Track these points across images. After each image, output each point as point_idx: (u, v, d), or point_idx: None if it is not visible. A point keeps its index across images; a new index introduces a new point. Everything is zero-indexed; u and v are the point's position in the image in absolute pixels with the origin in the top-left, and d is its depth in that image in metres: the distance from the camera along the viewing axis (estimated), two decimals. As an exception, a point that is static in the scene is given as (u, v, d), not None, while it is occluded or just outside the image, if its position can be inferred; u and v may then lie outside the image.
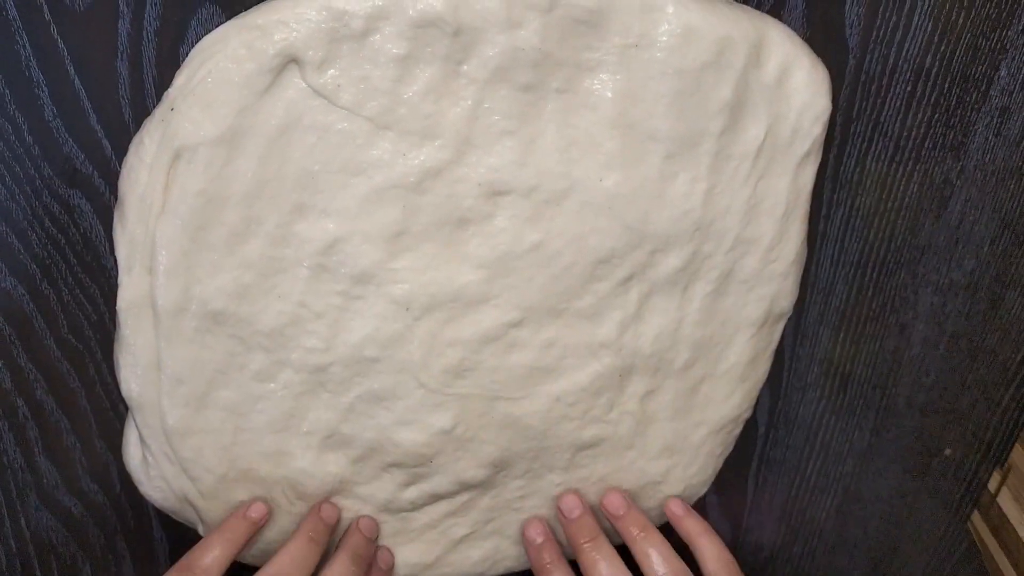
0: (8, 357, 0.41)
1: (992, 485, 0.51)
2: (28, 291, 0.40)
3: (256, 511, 0.41)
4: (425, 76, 0.35)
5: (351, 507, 0.44)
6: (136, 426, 0.40)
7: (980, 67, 0.40)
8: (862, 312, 0.47)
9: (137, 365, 0.39)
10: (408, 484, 0.43)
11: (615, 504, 0.45)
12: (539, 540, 0.45)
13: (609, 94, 0.37)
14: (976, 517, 0.52)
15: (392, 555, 0.45)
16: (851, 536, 0.54)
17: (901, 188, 0.43)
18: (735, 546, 0.54)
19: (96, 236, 0.40)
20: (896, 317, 0.47)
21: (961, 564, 0.53)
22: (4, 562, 0.46)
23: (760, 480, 0.51)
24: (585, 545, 0.43)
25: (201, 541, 0.40)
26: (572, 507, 0.44)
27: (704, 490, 0.47)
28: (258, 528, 0.41)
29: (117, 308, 0.38)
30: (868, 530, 0.53)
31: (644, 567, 0.43)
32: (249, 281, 0.38)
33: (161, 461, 0.41)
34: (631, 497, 0.46)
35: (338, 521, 0.43)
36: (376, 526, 0.44)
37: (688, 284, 0.41)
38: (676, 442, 0.45)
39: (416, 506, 0.44)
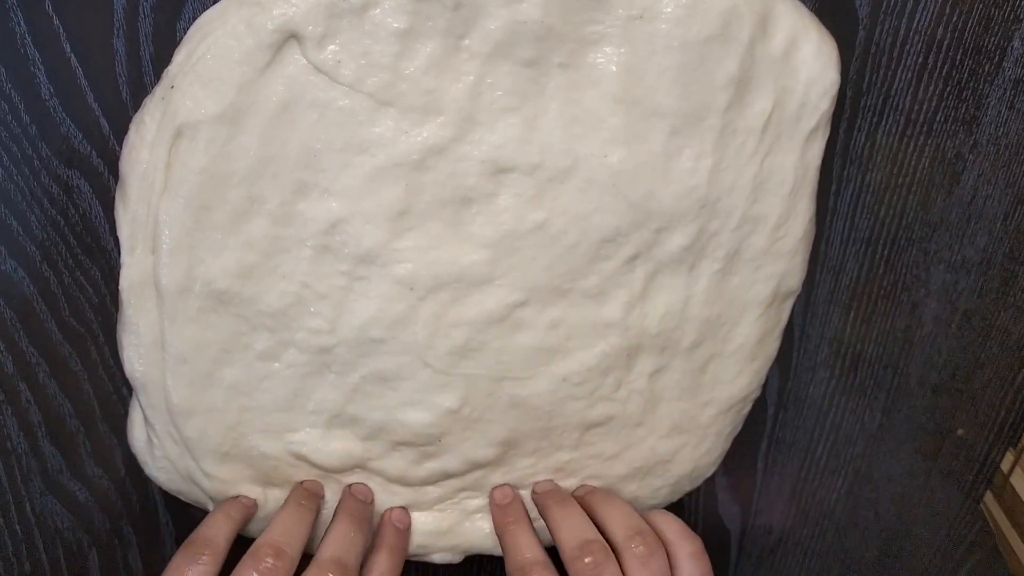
0: (10, 341, 0.41)
1: (1005, 465, 0.50)
2: (28, 274, 0.40)
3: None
4: (426, 51, 0.35)
5: (363, 479, 0.44)
6: (140, 407, 0.40)
7: (993, 38, 0.39)
8: (873, 290, 0.46)
9: (140, 345, 0.39)
10: (418, 462, 0.43)
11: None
12: (505, 502, 0.44)
13: (613, 68, 0.36)
14: (989, 498, 0.52)
15: (408, 515, 0.45)
16: (862, 518, 0.53)
17: (912, 163, 0.43)
18: (744, 528, 0.54)
19: (96, 217, 0.39)
20: (908, 295, 0.46)
21: (974, 545, 0.53)
22: (11, 548, 0.46)
23: (769, 461, 0.51)
24: (553, 504, 0.43)
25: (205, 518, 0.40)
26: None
27: (713, 470, 0.47)
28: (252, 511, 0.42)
29: (120, 288, 0.38)
30: (879, 512, 0.53)
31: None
32: (252, 261, 0.38)
33: (165, 441, 0.41)
34: (642, 476, 0.45)
35: (323, 496, 0.43)
36: (370, 491, 0.44)
37: (694, 263, 0.41)
38: (684, 421, 0.44)
39: (429, 482, 0.44)
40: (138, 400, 0.40)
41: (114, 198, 0.37)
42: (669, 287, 0.41)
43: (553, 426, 0.43)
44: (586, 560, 0.40)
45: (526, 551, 0.42)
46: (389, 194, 0.37)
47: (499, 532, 0.44)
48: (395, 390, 0.41)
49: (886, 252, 0.45)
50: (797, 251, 0.42)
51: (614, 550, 0.41)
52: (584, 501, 0.44)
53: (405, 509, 0.45)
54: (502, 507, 0.44)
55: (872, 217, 0.44)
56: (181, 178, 0.36)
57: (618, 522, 0.42)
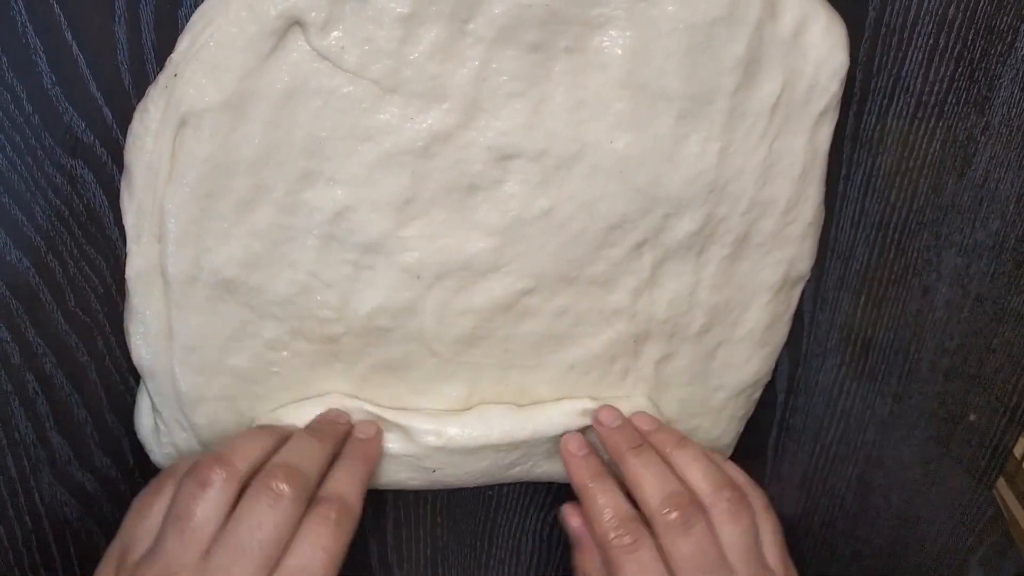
0: (16, 331, 0.41)
1: (1018, 451, 0.50)
2: (33, 264, 0.40)
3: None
4: (430, 36, 0.35)
5: None
6: (148, 394, 0.40)
7: (1005, 18, 0.39)
8: (883, 275, 0.46)
9: (148, 334, 0.39)
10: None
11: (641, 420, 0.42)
12: (581, 453, 0.41)
13: (619, 52, 0.36)
14: (1001, 484, 0.51)
15: (375, 426, 0.41)
16: (873, 505, 0.53)
17: (923, 146, 0.42)
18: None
19: (100, 206, 0.39)
20: (919, 279, 0.46)
21: (986, 532, 0.53)
22: (20, 539, 0.46)
23: (780, 449, 0.51)
24: (630, 453, 0.40)
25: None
26: (612, 418, 0.41)
27: (729, 452, 0.47)
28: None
29: (126, 277, 0.38)
30: (890, 499, 0.53)
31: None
32: (259, 250, 0.38)
33: (173, 428, 0.41)
34: None
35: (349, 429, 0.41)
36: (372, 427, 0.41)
37: (703, 248, 0.40)
38: (694, 406, 0.44)
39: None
40: (146, 388, 0.40)
41: (118, 187, 0.37)
42: (677, 273, 0.41)
43: (560, 414, 0.43)
44: (673, 515, 0.37)
45: (614, 508, 0.39)
46: (395, 182, 0.37)
47: (578, 488, 0.40)
48: (402, 380, 0.41)
49: (897, 236, 0.45)
50: (806, 235, 0.41)
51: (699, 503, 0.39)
52: (659, 451, 0.41)
53: (373, 422, 0.41)
54: (577, 458, 0.41)
55: (883, 201, 0.44)
56: (186, 167, 0.36)
57: (701, 476, 0.39)
